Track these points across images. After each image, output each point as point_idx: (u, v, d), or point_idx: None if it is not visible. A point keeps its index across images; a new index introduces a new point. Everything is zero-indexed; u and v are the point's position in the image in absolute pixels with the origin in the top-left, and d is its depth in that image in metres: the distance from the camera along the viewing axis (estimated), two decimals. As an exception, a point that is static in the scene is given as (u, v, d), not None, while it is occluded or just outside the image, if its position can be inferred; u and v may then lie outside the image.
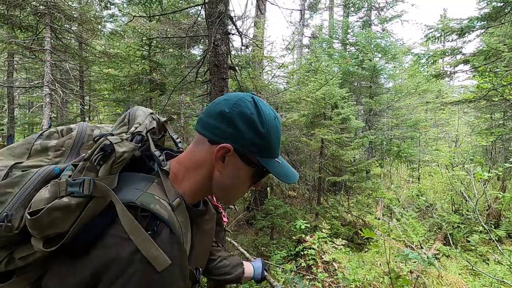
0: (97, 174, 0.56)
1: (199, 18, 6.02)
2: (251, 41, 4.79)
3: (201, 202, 0.76)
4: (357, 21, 12.74)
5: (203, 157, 0.66)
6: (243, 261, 1.18)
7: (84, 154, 0.60)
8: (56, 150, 0.69)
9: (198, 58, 7.78)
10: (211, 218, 0.80)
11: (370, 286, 3.50)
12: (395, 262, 3.94)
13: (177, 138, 0.79)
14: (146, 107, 0.77)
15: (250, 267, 1.19)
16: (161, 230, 0.56)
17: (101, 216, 0.56)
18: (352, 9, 12.46)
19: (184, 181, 0.67)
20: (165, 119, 0.79)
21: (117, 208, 0.55)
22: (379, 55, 9.70)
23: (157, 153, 0.67)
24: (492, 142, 8.05)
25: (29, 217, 0.52)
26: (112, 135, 0.63)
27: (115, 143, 0.59)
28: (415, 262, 3.16)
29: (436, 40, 6.50)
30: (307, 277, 3.70)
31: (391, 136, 10.15)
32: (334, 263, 3.84)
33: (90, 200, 0.55)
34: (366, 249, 5.04)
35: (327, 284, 3.54)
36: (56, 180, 0.56)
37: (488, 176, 3.39)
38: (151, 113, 0.75)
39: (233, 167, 0.66)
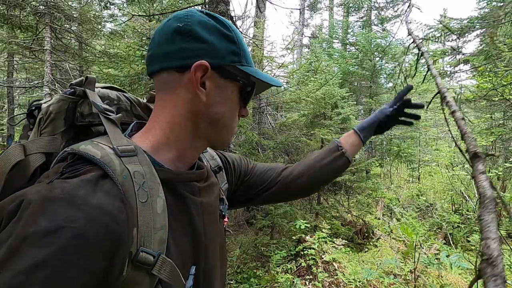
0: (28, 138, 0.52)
1: (199, 18, 6.03)
2: (251, 41, 4.79)
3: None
4: (357, 21, 12.74)
5: (176, 96, 0.52)
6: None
7: None
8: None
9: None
10: (209, 186, 0.61)
11: (370, 286, 3.50)
12: (395, 262, 3.94)
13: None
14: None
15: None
16: (86, 172, 0.43)
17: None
18: (352, 9, 12.45)
19: (151, 133, 0.53)
20: (147, 99, 0.67)
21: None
22: (379, 55, 9.70)
23: (104, 106, 0.53)
24: (492, 142, 8.05)
25: None
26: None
27: (44, 103, 0.53)
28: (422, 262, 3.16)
29: (436, 40, 6.50)
30: (307, 277, 3.70)
31: (391, 136, 10.15)
32: (334, 263, 3.84)
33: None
34: (366, 249, 5.05)
35: (327, 284, 3.54)
36: None
37: (487, 176, 3.40)
38: (118, 90, 0.66)
39: (217, 89, 0.53)
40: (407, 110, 0.93)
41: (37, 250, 0.35)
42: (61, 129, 0.53)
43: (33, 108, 0.53)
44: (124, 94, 0.65)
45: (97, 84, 0.61)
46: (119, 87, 0.67)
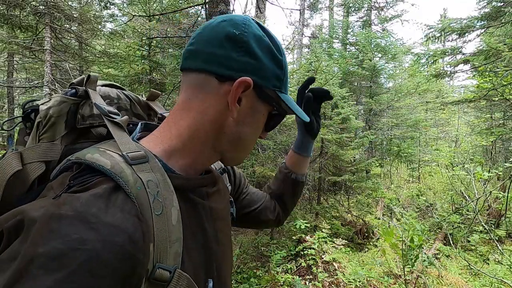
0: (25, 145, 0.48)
1: (199, 18, 6.02)
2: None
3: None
4: (357, 21, 12.74)
5: (205, 101, 0.48)
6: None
7: None
8: None
9: (198, 58, 7.78)
10: (219, 191, 0.57)
11: (370, 286, 3.50)
12: (395, 261, 3.95)
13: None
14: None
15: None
16: (96, 184, 0.39)
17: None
18: (352, 9, 12.46)
19: (165, 137, 0.49)
20: (147, 96, 0.64)
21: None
22: (379, 55, 9.71)
23: (108, 108, 0.50)
24: (492, 142, 8.05)
25: None
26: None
27: (41, 104, 0.49)
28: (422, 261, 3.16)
29: (436, 40, 6.50)
30: (307, 277, 3.70)
31: (391, 136, 10.15)
32: (334, 263, 3.84)
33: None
34: (366, 249, 5.05)
35: (327, 284, 3.54)
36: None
37: (488, 176, 3.39)
38: (118, 88, 0.63)
39: (250, 109, 0.50)
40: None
41: (47, 274, 0.32)
42: (61, 134, 0.50)
43: (29, 110, 0.48)
44: (124, 91, 0.62)
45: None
46: (119, 85, 0.64)
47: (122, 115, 0.52)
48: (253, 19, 0.51)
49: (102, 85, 0.60)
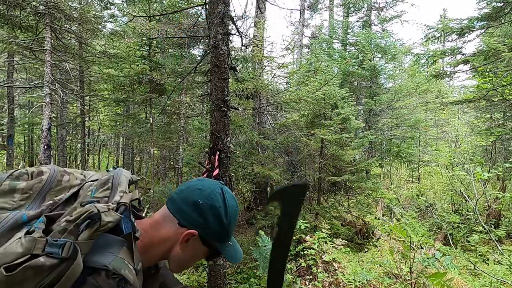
0: (77, 238, 0.59)
1: (199, 18, 6.02)
2: (251, 41, 4.79)
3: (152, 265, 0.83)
4: (357, 21, 12.75)
5: (169, 235, 0.74)
6: None
7: (63, 213, 0.62)
8: (23, 193, 0.68)
9: (198, 58, 7.78)
10: (156, 279, 0.88)
11: (370, 286, 3.50)
12: (395, 262, 3.95)
13: (141, 197, 0.85)
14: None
15: None
16: None
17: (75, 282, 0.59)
18: (352, 9, 12.46)
19: (147, 250, 0.74)
20: (138, 179, 0.85)
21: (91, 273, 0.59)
22: (379, 55, 9.71)
23: (133, 219, 0.71)
24: (492, 142, 8.05)
25: (4, 272, 0.51)
26: (98, 201, 0.66)
27: (102, 212, 0.61)
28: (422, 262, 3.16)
29: (436, 40, 6.51)
30: (307, 277, 3.70)
31: (391, 136, 10.15)
32: (334, 263, 3.84)
33: (62, 262, 0.56)
34: (366, 249, 5.05)
35: (327, 284, 3.55)
36: (33, 236, 0.56)
37: (488, 176, 3.39)
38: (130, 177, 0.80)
39: (193, 247, 0.76)
40: None
41: None
42: None
43: (96, 219, 0.60)
44: (130, 179, 0.79)
45: (124, 174, 0.77)
46: (130, 174, 0.80)
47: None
48: (221, 190, 0.76)
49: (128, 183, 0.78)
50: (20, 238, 0.56)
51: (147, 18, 6.30)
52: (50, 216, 0.62)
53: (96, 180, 0.74)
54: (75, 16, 6.35)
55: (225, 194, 0.76)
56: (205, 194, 0.74)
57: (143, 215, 0.82)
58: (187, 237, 0.73)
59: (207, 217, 0.73)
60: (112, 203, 0.67)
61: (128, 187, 0.80)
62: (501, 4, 5.49)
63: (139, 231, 0.71)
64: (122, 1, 7.01)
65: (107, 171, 0.80)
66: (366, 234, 5.57)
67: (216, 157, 2.80)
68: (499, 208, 6.22)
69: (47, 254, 0.54)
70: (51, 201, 0.68)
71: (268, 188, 6.32)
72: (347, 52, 10.74)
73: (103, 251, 0.62)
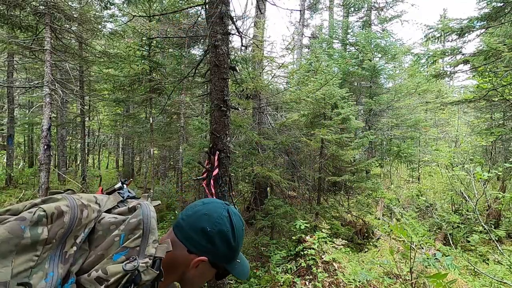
0: None
1: (199, 18, 6.02)
2: (251, 41, 4.79)
3: None
4: (357, 21, 12.75)
5: (179, 262, 0.75)
6: None
7: (96, 274, 0.59)
8: (47, 243, 0.56)
9: (198, 58, 7.78)
10: None
11: (370, 286, 3.50)
12: (395, 262, 3.95)
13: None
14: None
15: None
16: None
17: None
18: (352, 9, 12.46)
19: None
20: (156, 204, 0.85)
21: None
22: (379, 55, 9.71)
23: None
24: (492, 142, 8.05)
25: None
26: (132, 255, 0.63)
27: (142, 271, 0.61)
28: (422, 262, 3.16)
29: (436, 40, 6.50)
30: (307, 277, 3.70)
31: (391, 136, 10.15)
32: (334, 263, 3.84)
33: None
34: (366, 249, 5.05)
35: (327, 284, 3.54)
36: None
37: (488, 176, 3.39)
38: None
39: (203, 271, 0.77)
40: None
41: None
42: None
43: (138, 281, 0.60)
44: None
45: (154, 216, 0.73)
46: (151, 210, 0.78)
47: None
48: (228, 212, 0.77)
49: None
50: None
51: (147, 18, 6.30)
52: (77, 272, 0.59)
53: (112, 209, 0.71)
54: (75, 16, 6.35)
55: (232, 216, 0.77)
56: (212, 220, 0.75)
57: None
58: (197, 263, 0.74)
59: (215, 243, 0.74)
60: (149, 258, 0.63)
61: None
62: (501, 4, 5.48)
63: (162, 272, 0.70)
64: (122, 1, 7.00)
65: (118, 192, 0.77)
66: (366, 234, 5.58)
67: (216, 157, 2.80)
68: (499, 208, 6.22)
69: None
70: (74, 247, 0.60)
71: (268, 188, 6.32)
72: (347, 52, 10.74)
73: None
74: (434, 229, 6.07)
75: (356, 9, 12.37)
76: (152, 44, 7.06)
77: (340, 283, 3.52)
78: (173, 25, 6.81)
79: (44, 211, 0.58)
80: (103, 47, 9.40)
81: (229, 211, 0.78)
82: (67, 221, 0.60)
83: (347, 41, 11.51)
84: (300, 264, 3.91)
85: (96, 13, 7.10)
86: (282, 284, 3.67)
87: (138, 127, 9.32)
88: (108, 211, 0.70)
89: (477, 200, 4.73)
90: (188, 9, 6.64)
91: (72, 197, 0.64)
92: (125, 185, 0.80)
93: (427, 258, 3.34)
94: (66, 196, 0.64)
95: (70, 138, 13.86)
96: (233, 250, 0.78)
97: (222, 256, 0.77)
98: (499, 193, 5.01)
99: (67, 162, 13.52)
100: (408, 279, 3.34)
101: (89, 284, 0.57)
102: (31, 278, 0.53)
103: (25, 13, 5.75)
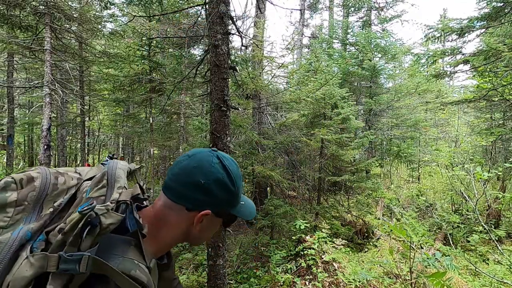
0: (79, 248, 0.54)
1: (199, 18, 6.02)
2: (251, 41, 4.79)
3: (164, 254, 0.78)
4: (357, 21, 12.75)
5: (181, 222, 0.70)
6: None
7: (59, 226, 0.57)
8: (18, 205, 0.60)
9: (198, 58, 7.78)
10: (171, 267, 0.85)
11: (370, 286, 3.50)
12: (395, 262, 3.95)
13: (143, 185, 0.80)
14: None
15: None
16: None
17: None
18: (352, 9, 12.46)
19: (156, 241, 0.69)
20: (136, 167, 0.80)
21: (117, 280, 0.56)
22: (379, 55, 9.70)
23: (136, 215, 0.66)
24: (492, 142, 8.05)
25: None
26: (93, 202, 0.60)
27: (101, 214, 0.56)
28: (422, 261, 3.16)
29: (436, 40, 6.50)
30: (307, 277, 3.70)
31: (391, 136, 10.15)
32: (334, 263, 3.84)
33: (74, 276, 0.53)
34: (366, 249, 5.05)
35: (327, 284, 3.54)
36: (44, 253, 0.53)
37: (488, 176, 3.39)
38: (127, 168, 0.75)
39: (208, 223, 0.73)
40: None
41: None
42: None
43: (96, 224, 0.56)
44: (127, 170, 0.75)
45: (121, 167, 0.72)
46: (127, 165, 0.76)
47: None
48: (218, 157, 0.70)
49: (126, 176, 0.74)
50: (27, 257, 0.52)
51: (147, 18, 6.30)
52: (49, 230, 0.57)
53: (93, 177, 0.68)
54: (75, 16, 6.35)
55: (223, 161, 0.70)
56: (204, 171, 0.68)
57: (148, 203, 0.76)
58: (201, 219, 0.69)
59: (214, 193, 0.68)
60: (111, 202, 0.61)
61: (128, 178, 0.75)
62: (501, 4, 5.48)
63: (146, 226, 0.66)
64: (122, 1, 7.01)
65: (102, 164, 0.74)
66: (366, 234, 5.57)
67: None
68: (499, 208, 6.22)
69: (63, 271, 0.51)
70: (51, 209, 0.61)
71: (268, 188, 6.32)
72: (347, 52, 10.73)
73: (108, 255, 0.57)
74: (434, 229, 6.07)
75: (356, 9, 12.37)
76: (152, 44, 7.06)
77: (340, 283, 3.52)
78: (173, 25, 6.81)
79: (12, 178, 0.62)
80: (103, 47, 9.39)
81: (219, 156, 0.71)
82: (38, 185, 0.63)
83: (347, 41, 11.50)
84: (300, 264, 3.91)
85: (96, 13, 7.10)
86: (282, 284, 3.67)
87: (138, 127, 9.32)
88: (90, 180, 0.69)
89: (477, 200, 4.74)
90: (188, 9, 6.64)
91: (46, 167, 0.67)
92: (112, 159, 0.77)
93: (427, 258, 3.34)
94: (39, 167, 0.68)
95: (70, 138, 13.85)
96: (234, 195, 0.72)
97: (225, 204, 0.72)
98: (499, 193, 5.02)
99: (67, 162, 13.51)
100: (408, 279, 3.34)
101: (54, 237, 0.55)
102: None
103: (25, 13, 5.75)
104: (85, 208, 0.55)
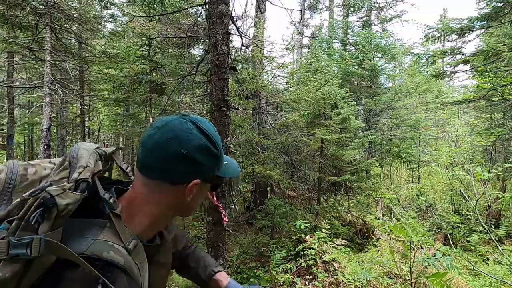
0: (37, 232, 0.50)
1: (199, 18, 6.02)
2: (251, 41, 4.79)
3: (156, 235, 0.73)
4: (357, 21, 12.74)
5: (163, 198, 0.65)
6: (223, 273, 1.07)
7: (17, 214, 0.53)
8: None
9: (198, 58, 7.78)
10: (166, 249, 0.79)
11: (370, 286, 3.50)
12: (395, 262, 3.95)
13: (127, 168, 0.78)
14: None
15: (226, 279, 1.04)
16: (116, 278, 0.54)
17: (48, 277, 0.52)
18: (352, 9, 12.45)
19: (140, 219, 0.65)
20: (113, 149, 0.75)
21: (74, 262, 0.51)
22: (379, 55, 9.70)
23: (106, 195, 0.62)
24: (492, 142, 8.05)
25: None
26: (51, 185, 0.56)
27: (57, 195, 0.52)
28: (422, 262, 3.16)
29: (436, 40, 6.50)
30: (307, 277, 3.70)
31: (391, 136, 10.15)
32: (334, 263, 3.84)
33: (32, 261, 0.49)
34: (366, 249, 5.05)
35: (327, 284, 3.54)
36: None
37: (488, 176, 3.39)
38: (96, 149, 0.70)
39: (197, 192, 0.68)
40: None
41: None
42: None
43: (50, 205, 0.52)
44: (98, 151, 0.70)
45: (85, 147, 0.67)
46: (94, 144, 0.71)
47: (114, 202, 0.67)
48: (192, 122, 0.65)
49: (90, 155, 0.68)
50: None
51: (147, 18, 6.30)
52: (11, 220, 0.53)
53: None
54: (75, 16, 6.35)
55: (199, 124, 0.66)
56: (183, 140, 0.62)
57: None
58: (191, 189, 0.65)
59: (198, 161, 0.64)
60: (69, 182, 0.57)
61: (108, 162, 0.72)
62: (501, 4, 5.48)
63: (120, 206, 0.62)
64: (122, 1, 7.01)
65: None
66: (366, 234, 5.57)
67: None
68: (499, 208, 6.22)
69: (13, 257, 0.47)
70: (18, 199, 0.57)
71: (268, 188, 6.32)
72: (347, 52, 10.74)
73: (78, 238, 0.55)
74: (434, 229, 6.07)
75: (356, 9, 12.37)
76: (152, 44, 7.06)
77: (340, 283, 3.52)
78: (173, 25, 6.81)
79: None
80: (103, 47, 9.39)
81: (193, 121, 0.66)
82: (3, 176, 0.62)
83: (347, 41, 11.50)
84: (300, 264, 3.91)
85: (96, 13, 7.10)
86: (282, 284, 3.67)
87: (138, 127, 9.31)
88: None
89: (477, 200, 4.74)
90: (188, 9, 6.64)
91: (16, 161, 0.66)
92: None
93: (427, 258, 3.35)
94: (8, 160, 0.67)
95: (70, 138, 13.83)
96: (218, 157, 0.69)
97: (211, 169, 0.67)
98: (499, 193, 5.02)
99: (67, 162, 13.49)
100: (408, 279, 3.34)
101: (14, 223, 0.52)
102: None
103: (25, 13, 5.75)
104: (36, 189, 0.53)
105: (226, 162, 0.74)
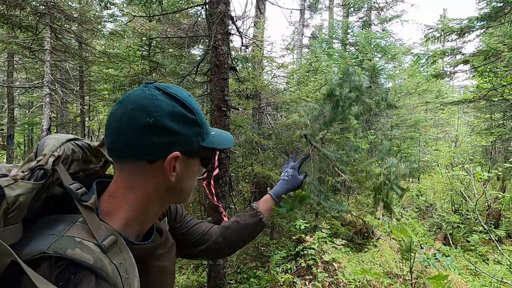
0: None
1: (199, 18, 6.02)
2: (251, 41, 4.80)
3: (153, 233, 0.65)
4: (357, 21, 12.75)
5: (143, 182, 0.57)
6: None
7: None
8: None
9: (198, 58, 7.78)
10: (168, 250, 0.69)
11: (370, 286, 3.50)
12: (395, 262, 3.95)
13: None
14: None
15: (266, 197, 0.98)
16: (82, 279, 0.45)
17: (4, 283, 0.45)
18: (352, 9, 12.46)
19: (121, 212, 0.57)
20: (98, 143, 0.68)
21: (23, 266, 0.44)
22: (379, 55, 9.71)
23: (74, 185, 0.54)
24: (492, 142, 8.05)
25: None
26: (6, 175, 0.50)
27: (6, 186, 0.47)
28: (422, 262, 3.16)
29: (436, 40, 6.51)
30: (307, 277, 3.70)
31: (391, 136, 10.15)
32: (334, 263, 3.84)
33: None
34: (366, 249, 5.05)
35: (327, 284, 3.54)
36: None
37: (488, 176, 3.40)
38: (72, 139, 0.63)
39: (185, 168, 0.59)
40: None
41: None
42: (24, 215, 0.50)
43: None
44: (77, 142, 0.64)
45: (55, 137, 0.61)
46: (74, 136, 0.65)
47: (74, 166, 0.61)
48: (158, 88, 0.56)
49: (60, 145, 0.61)
50: None
51: (147, 18, 6.30)
52: None
53: None
54: (75, 16, 6.35)
55: (166, 89, 0.57)
56: (148, 108, 0.53)
57: None
58: (170, 165, 0.56)
59: (172, 129, 0.55)
60: (23, 172, 0.51)
61: (97, 156, 0.65)
62: (501, 4, 5.48)
63: (93, 197, 0.54)
64: (122, 1, 7.01)
65: None
66: (366, 234, 5.57)
67: (216, 157, 2.80)
68: (499, 208, 6.23)
69: None
70: None
71: (268, 188, 6.32)
72: (347, 52, 10.74)
73: (40, 237, 0.48)
74: (434, 229, 6.07)
75: (356, 9, 12.37)
76: (152, 44, 7.06)
77: (340, 283, 3.52)
78: (173, 25, 6.81)
79: None
80: (103, 47, 9.39)
81: (159, 87, 0.57)
82: None
83: (347, 41, 11.51)
84: (300, 264, 3.91)
85: (96, 13, 7.10)
86: (282, 284, 3.67)
87: (138, 127, 9.31)
88: None
89: (477, 200, 4.74)
90: (188, 9, 6.64)
91: (1, 164, 0.62)
92: None
93: (427, 258, 3.35)
94: None
95: (70, 138, 13.83)
96: (198, 123, 0.59)
97: (191, 137, 0.58)
98: (499, 193, 5.02)
99: (67, 162, 13.50)
100: (408, 279, 3.34)
101: None
102: None
103: (25, 13, 5.75)
104: None
105: (214, 132, 0.64)
